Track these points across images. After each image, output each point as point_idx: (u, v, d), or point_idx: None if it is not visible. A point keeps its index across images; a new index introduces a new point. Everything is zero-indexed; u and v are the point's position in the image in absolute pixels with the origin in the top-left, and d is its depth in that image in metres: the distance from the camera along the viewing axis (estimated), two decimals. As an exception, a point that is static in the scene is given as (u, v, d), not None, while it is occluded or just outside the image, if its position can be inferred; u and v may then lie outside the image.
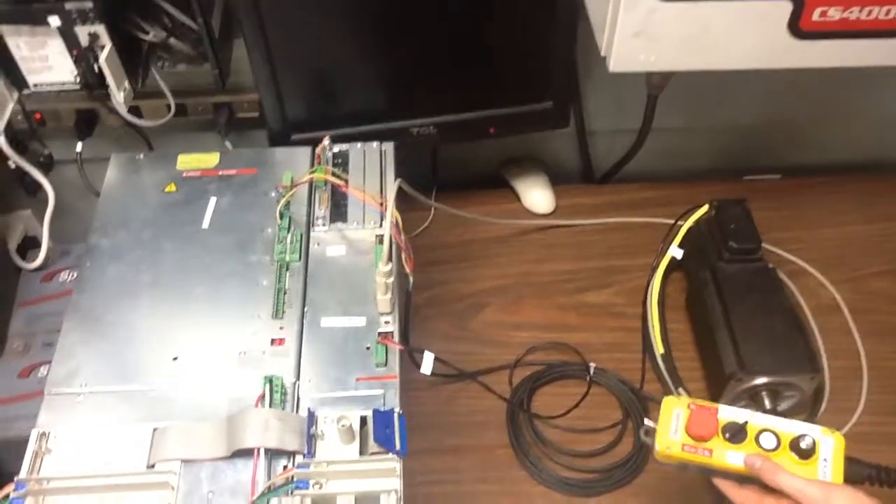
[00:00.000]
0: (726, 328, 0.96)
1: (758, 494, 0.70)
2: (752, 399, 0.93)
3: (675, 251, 1.07)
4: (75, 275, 0.95)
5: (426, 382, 0.95)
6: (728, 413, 0.73)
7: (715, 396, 0.96)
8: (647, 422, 0.83)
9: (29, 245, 1.08)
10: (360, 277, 0.81)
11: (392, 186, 0.82)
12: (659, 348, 1.02)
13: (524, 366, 1.02)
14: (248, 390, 0.72)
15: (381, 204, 0.85)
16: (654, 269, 1.08)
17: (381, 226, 0.85)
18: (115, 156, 0.92)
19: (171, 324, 0.78)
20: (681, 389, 0.98)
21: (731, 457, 0.71)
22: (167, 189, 0.89)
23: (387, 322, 0.78)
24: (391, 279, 0.76)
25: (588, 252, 1.14)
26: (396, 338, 0.77)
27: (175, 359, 0.75)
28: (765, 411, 0.90)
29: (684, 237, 1.07)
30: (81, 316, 0.78)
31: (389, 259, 0.75)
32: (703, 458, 0.72)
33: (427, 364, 0.78)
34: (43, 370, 0.96)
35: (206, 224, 0.86)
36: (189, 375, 0.74)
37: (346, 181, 0.87)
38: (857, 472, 0.70)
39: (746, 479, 0.71)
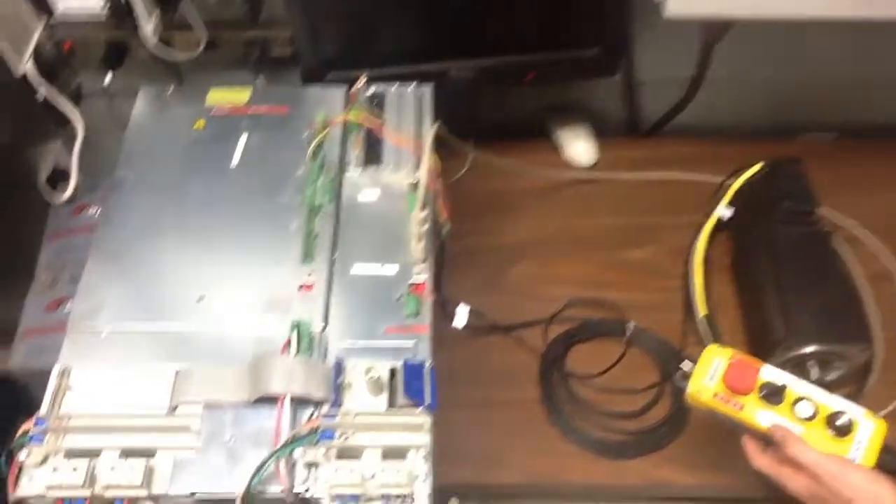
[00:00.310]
0: (776, 293, 0.91)
1: (777, 463, 0.69)
2: (798, 367, 0.88)
3: (724, 211, 1.02)
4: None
5: (457, 334, 0.92)
6: (770, 373, 0.72)
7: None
8: (684, 365, 0.79)
9: (58, 178, 1.06)
10: (393, 224, 0.78)
11: (429, 131, 0.77)
12: (701, 310, 0.98)
13: (560, 321, 0.98)
14: (274, 335, 0.70)
15: (417, 148, 0.81)
16: (701, 227, 1.02)
17: (416, 171, 0.81)
18: (144, 89, 0.89)
19: (197, 263, 0.75)
20: (723, 352, 0.93)
21: (762, 416, 0.70)
22: (196, 125, 0.86)
23: (419, 271, 0.74)
24: (426, 227, 0.73)
25: (630, 208, 1.09)
26: (429, 288, 0.73)
27: (200, 299, 0.73)
28: (811, 381, 0.86)
29: (734, 196, 1.01)
30: (106, 252, 0.76)
31: (424, 206, 0.72)
32: (733, 411, 0.71)
33: (461, 317, 0.74)
34: (70, 304, 0.94)
35: (234, 163, 0.83)
36: (214, 317, 0.72)
37: (382, 123, 0.83)
38: (889, 462, 0.66)
39: (771, 444, 0.70)
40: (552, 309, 0.99)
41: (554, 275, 1.03)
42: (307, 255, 0.75)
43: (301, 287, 0.73)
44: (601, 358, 0.95)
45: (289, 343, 0.68)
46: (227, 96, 0.87)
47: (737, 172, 1.02)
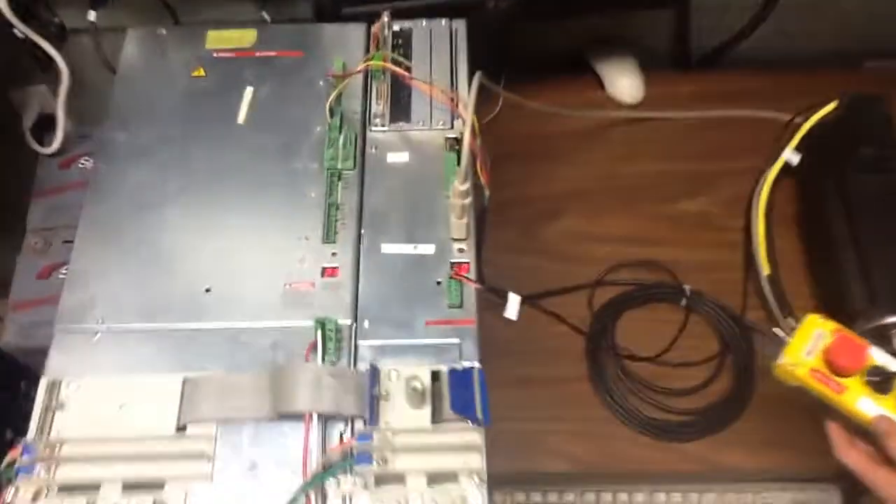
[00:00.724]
0: (854, 253, 0.81)
1: (871, 460, 0.60)
2: (880, 339, 0.78)
3: (791, 156, 0.90)
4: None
5: (488, 300, 0.82)
6: (881, 357, 0.64)
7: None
8: (776, 331, 0.72)
9: (45, 126, 0.95)
10: (427, 191, 0.67)
11: (467, 79, 0.65)
12: (765, 268, 0.87)
13: (606, 285, 0.88)
14: (295, 332, 0.60)
15: (452, 100, 0.69)
16: (764, 174, 0.91)
17: (451, 126, 0.70)
18: (133, 31, 0.77)
19: (203, 246, 0.65)
20: (790, 319, 0.84)
21: (864, 404, 0.62)
22: (195, 73, 0.74)
23: (461, 250, 0.64)
24: (468, 199, 0.62)
25: (682, 151, 0.97)
26: (473, 270, 0.63)
27: (208, 290, 0.63)
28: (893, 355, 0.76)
29: (803, 139, 0.90)
30: (96, 232, 0.66)
31: (467, 177, 0.60)
32: (830, 392, 0.63)
33: (512, 307, 0.64)
34: (65, 271, 0.84)
35: (241, 119, 0.71)
36: (224, 311, 0.62)
37: (410, 69, 0.71)
38: None
39: (863, 435, 0.62)
40: (596, 271, 0.89)
41: (597, 231, 0.92)
42: (330, 232, 0.65)
43: (325, 271, 0.63)
44: (654, 327, 0.86)
45: (314, 346, 0.58)
46: (229, 38, 0.75)
47: (806, 111, 0.91)
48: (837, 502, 0.80)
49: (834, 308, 0.83)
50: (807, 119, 0.90)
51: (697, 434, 0.81)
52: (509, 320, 0.84)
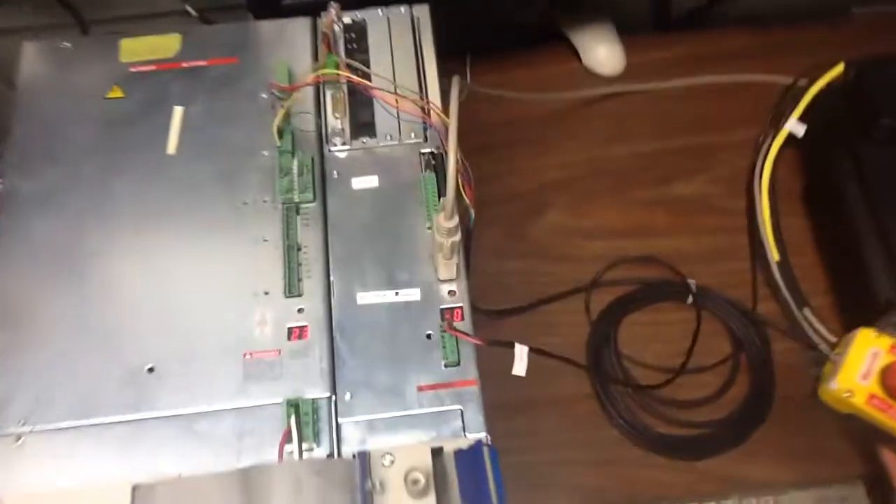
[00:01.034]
0: (876, 237, 0.73)
1: None
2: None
3: (795, 126, 0.81)
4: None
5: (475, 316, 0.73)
6: None
7: (851, 320, 0.75)
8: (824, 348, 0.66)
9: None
10: (404, 221, 0.57)
11: (437, 78, 0.54)
12: (773, 254, 0.79)
13: (603, 286, 0.79)
14: (263, 413, 0.50)
15: (424, 109, 0.58)
16: (765, 147, 0.82)
17: (425, 139, 0.59)
18: (28, 44, 0.63)
19: (139, 314, 0.54)
20: (807, 310, 0.76)
21: None
22: (110, 94, 0.61)
23: (452, 293, 0.54)
24: (457, 237, 0.51)
25: (672, 126, 0.88)
26: (468, 315, 0.53)
27: (151, 370, 0.52)
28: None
29: (808, 107, 0.80)
30: (3, 306, 0.53)
31: (454, 212, 0.50)
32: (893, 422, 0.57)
33: (520, 363, 0.54)
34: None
35: (171, 147, 0.59)
36: (174, 395, 0.51)
37: (369, 76, 0.59)
38: None
39: None
40: (591, 270, 0.80)
41: (588, 225, 0.83)
42: (292, 284, 0.54)
43: (291, 334, 0.52)
44: (659, 331, 0.78)
45: (287, 434, 0.47)
46: (148, 47, 0.62)
47: (811, 73, 0.81)
48: (862, 497, 0.73)
49: (852, 294, 0.76)
50: (811, 84, 0.80)
51: (714, 450, 0.73)
52: (500, 334, 0.74)
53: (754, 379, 0.75)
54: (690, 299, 0.77)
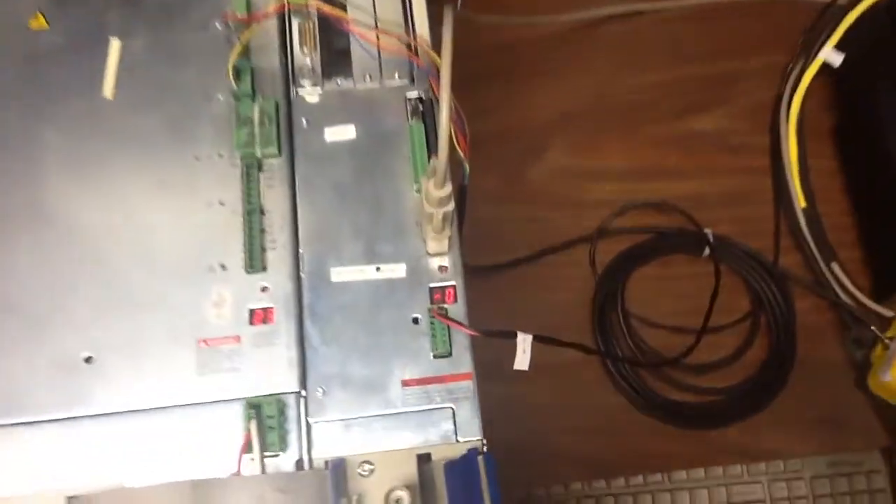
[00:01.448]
0: (920, 185, 0.64)
1: None
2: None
3: (832, 55, 0.71)
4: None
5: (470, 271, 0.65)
6: None
7: (883, 278, 0.67)
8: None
9: None
10: (387, 181, 0.48)
11: (446, 21, 0.45)
12: (800, 200, 0.71)
13: (610, 236, 0.71)
14: (220, 412, 0.42)
15: (410, 46, 0.48)
16: (794, 77, 0.73)
17: (411, 80, 0.49)
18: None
19: (74, 293, 0.45)
20: (835, 265, 0.69)
21: None
22: (33, 23, 0.51)
23: (443, 268, 0.45)
24: (450, 206, 0.43)
25: (687, 51, 0.78)
26: (462, 293, 0.45)
27: (88, 359, 0.44)
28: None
29: (847, 33, 0.70)
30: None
31: (447, 177, 0.41)
32: None
33: (522, 356, 0.46)
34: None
35: (107, 90, 0.49)
36: (115, 390, 0.43)
37: (344, 6, 0.49)
38: None
39: None
40: (596, 217, 0.72)
41: (593, 166, 0.74)
42: (254, 257, 0.45)
43: (253, 316, 0.44)
44: (671, 286, 0.71)
45: (248, 443, 0.40)
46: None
47: (849, -5, 0.71)
48: (878, 462, 0.67)
49: (890, 253, 0.69)
50: (853, 4, 0.70)
51: (728, 418, 0.67)
52: (491, 290, 0.67)
53: (774, 341, 0.68)
54: (707, 251, 0.69)
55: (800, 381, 0.67)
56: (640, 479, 0.65)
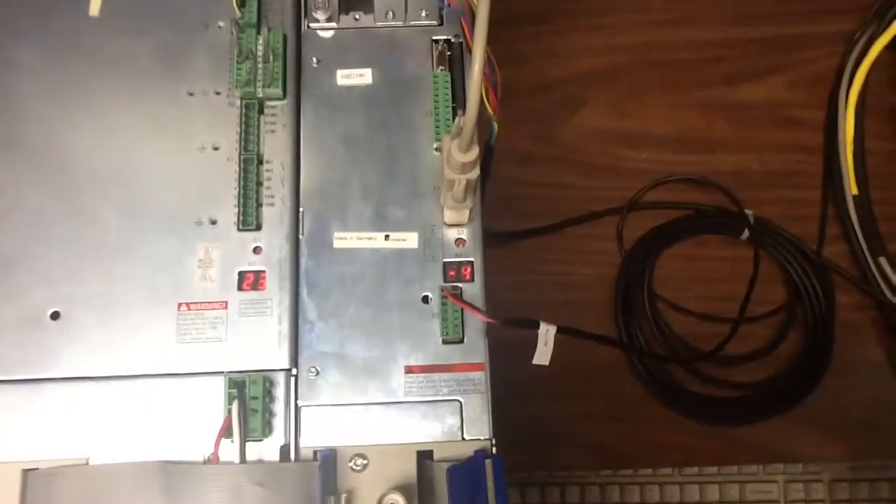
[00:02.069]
0: None
1: None
2: None
3: (907, 23, 0.64)
4: None
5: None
6: None
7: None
8: None
9: None
10: (403, 137, 0.42)
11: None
12: (851, 185, 0.65)
13: (644, 209, 0.65)
14: (197, 389, 0.37)
15: (442, -22, 0.42)
16: (859, 47, 0.66)
17: (440, 21, 0.43)
18: None
19: (41, 240, 0.40)
20: (883, 260, 0.63)
21: None
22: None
23: (460, 241, 0.40)
24: (475, 172, 0.37)
25: (750, 9, 0.71)
26: (478, 273, 0.40)
27: (55, 316, 0.39)
28: None
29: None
30: None
31: (473, 140, 0.35)
32: None
33: (544, 348, 0.40)
34: None
35: (93, 8, 0.43)
36: (84, 351, 0.38)
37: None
38: None
39: None
40: (629, 188, 0.65)
41: (631, 129, 0.68)
42: (248, 213, 0.40)
43: (243, 280, 0.39)
44: (704, 268, 0.66)
45: (228, 426, 0.35)
46: None
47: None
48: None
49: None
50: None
51: (757, 415, 0.62)
52: (508, 259, 0.62)
53: (810, 336, 0.63)
54: (746, 234, 0.63)
55: (834, 381, 0.62)
56: (648, 470, 0.61)
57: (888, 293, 0.63)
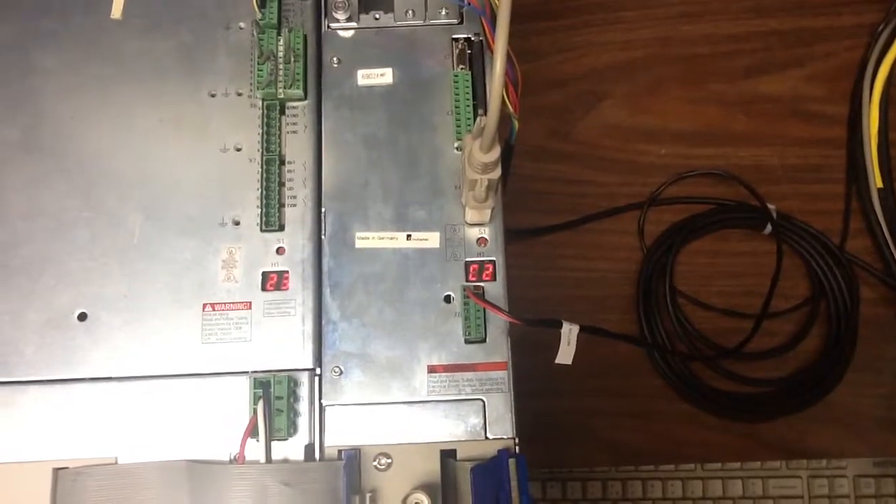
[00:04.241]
0: None
1: None
2: None
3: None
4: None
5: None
6: None
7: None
8: None
9: None
10: (424, 136, 0.42)
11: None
12: (876, 178, 0.64)
13: (664, 204, 0.65)
14: (222, 390, 0.38)
15: (462, -24, 0.42)
16: (883, 38, 0.66)
17: (460, 19, 0.43)
18: None
19: (69, 241, 0.40)
20: (906, 254, 0.62)
21: None
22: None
23: (482, 241, 0.40)
24: (496, 172, 0.37)
25: (763, 3, 0.70)
26: (500, 272, 0.40)
27: (82, 317, 0.39)
28: None
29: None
30: None
31: (495, 140, 0.35)
32: None
33: (567, 348, 0.40)
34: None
35: (116, 10, 0.43)
36: (111, 352, 0.38)
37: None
38: None
39: None
40: (649, 183, 0.65)
41: (650, 125, 0.68)
42: (270, 213, 0.40)
43: (266, 280, 0.39)
44: (726, 263, 0.65)
45: (253, 425, 0.36)
46: None
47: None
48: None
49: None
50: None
51: (777, 411, 0.61)
52: (528, 255, 0.62)
53: (833, 331, 0.62)
54: (769, 228, 0.63)
55: (858, 377, 0.61)
56: (670, 465, 0.61)
57: (913, 288, 0.62)
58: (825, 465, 0.61)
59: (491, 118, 0.34)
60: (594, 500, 0.61)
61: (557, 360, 0.40)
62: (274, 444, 0.37)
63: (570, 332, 0.39)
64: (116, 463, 0.37)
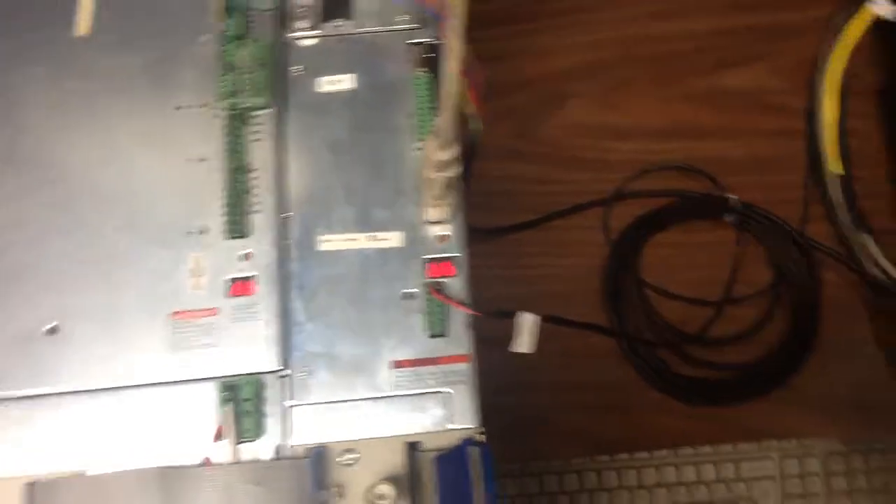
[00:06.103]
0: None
1: None
2: None
3: (884, 7, 0.65)
4: None
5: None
6: None
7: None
8: None
9: None
10: (386, 139, 0.43)
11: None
12: (834, 166, 0.65)
13: (627, 199, 0.66)
14: (191, 395, 0.39)
15: (420, -18, 0.43)
16: (839, 32, 0.67)
17: (419, 25, 0.44)
18: None
19: (39, 254, 0.41)
20: (867, 237, 0.64)
21: None
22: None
23: (442, 237, 0.41)
24: (453, 171, 0.38)
25: (728, 1, 0.71)
26: (463, 267, 0.41)
27: (52, 330, 0.40)
28: None
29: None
30: None
31: (450, 140, 0.36)
32: None
33: (525, 337, 0.42)
34: None
35: (82, 27, 0.44)
36: (81, 365, 0.40)
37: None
38: None
39: None
40: (615, 179, 0.66)
41: (616, 122, 0.69)
42: (235, 221, 0.41)
43: (232, 287, 0.40)
44: (689, 254, 0.66)
45: (220, 433, 0.37)
46: None
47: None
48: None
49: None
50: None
51: (742, 395, 0.63)
52: (497, 251, 0.63)
53: (796, 315, 0.64)
54: (730, 217, 0.64)
55: (823, 359, 0.63)
56: (644, 453, 0.62)
57: (873, 270, 0.64)
58: (795, 444, 0.63)
59: (443, 115, 0.35)
60: (571, 492, 0.63)
61: (511, 348, 0.41)
62: (243, 445, 0.38)
63: (525, 322, 0.40)
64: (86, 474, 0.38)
